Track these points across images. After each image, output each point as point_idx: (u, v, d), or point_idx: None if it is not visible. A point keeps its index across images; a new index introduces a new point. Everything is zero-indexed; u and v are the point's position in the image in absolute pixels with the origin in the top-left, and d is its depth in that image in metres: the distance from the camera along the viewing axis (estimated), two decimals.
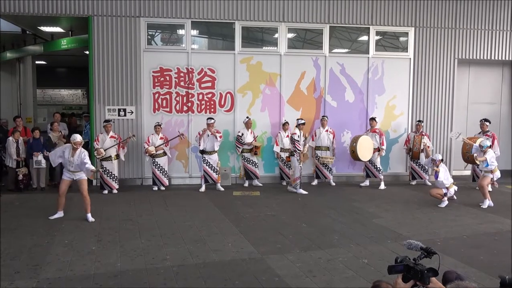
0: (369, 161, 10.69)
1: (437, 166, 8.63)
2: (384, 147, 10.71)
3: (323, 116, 10.97)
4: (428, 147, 10.67)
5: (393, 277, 2.64)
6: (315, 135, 10.96)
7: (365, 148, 10.45)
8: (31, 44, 14.80)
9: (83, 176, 7.49)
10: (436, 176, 8.65)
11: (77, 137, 7.42)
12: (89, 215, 7.44)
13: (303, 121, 10.00)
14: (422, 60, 11.71)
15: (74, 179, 7.52)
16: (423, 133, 11.02)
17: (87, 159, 7.31)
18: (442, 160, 8.85)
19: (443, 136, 11.91)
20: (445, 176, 8.65)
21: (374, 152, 10.63)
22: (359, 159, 10.57)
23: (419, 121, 11.18)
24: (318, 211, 8.36)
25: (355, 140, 10.52)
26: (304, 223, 7.46)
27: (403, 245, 2.71)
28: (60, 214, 7.65)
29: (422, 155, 10.80)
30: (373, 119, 10.84)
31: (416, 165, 11.12)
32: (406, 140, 11.34)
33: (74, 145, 7.33)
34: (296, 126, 10.01)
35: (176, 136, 10.41)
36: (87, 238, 6.50)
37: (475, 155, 9.54)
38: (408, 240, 2.68)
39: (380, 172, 10.75)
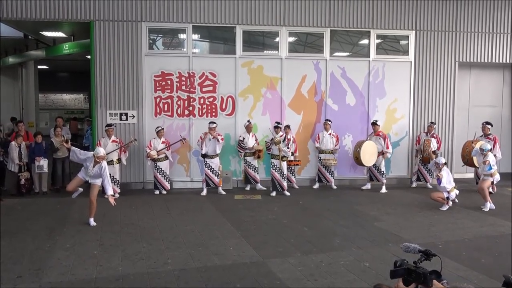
0: (373, 164, 10.69)
1: (440, 170, 8.62)
2: (390, 150, 10.68)
3: (326, 120, 10.99)
4: (431, 148, 10.67)
5: (394, 280, 2.64)
6: (319, 139, 10.97)
7: (369, 154, 10.44)
8: (33, 49, 14.89)
9: (97, 182, 7.52)
10: (439, 182, 8.62)
11: (100, 152, 7.40)
12: (91, 219, 7.46)
13: (276, 125, 10.24)
14: (423, 63, 11.72)
15: (88, 181, 7.57)
16: (435, 135, 11.02)
17: (106, 175, 7.36)
18: (445, 163, 8.85)
19: (444, 138, 11.90)
20: (447, 180, 8.64)
21: (378, 156, 10.62)
22: (362, 165, 10.57)
23: (432, 122, 11.18)
24: (319, 215, 8.37)
25: (358, 146, 10.51)
26: (305, 226, 7.46)
27: (400, 248, 2.72)
28: (79, 191, 7.75)
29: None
30: (374, 123, 10.82)
31: (424, 167, 11.11)
32: (417, 140, 11.35)
33: (97, 159, 7.34)
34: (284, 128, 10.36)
35: (178, 141, 10.43)
36: (89, 242, 6.52)
37: (474, 158, 9.55)
38: (405, 243, 2.69)
39: (384, 176, 10.75)
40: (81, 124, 19.20)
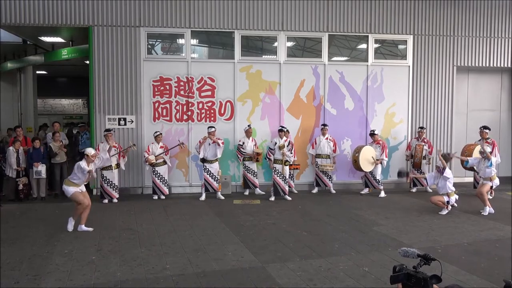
0: (369, 171, 10.67)
1: (444, 169, 8.62)
2: (386, 159, 10.67)
3: (323, 125, 10.98)
4: (430, 153, 10.72)
5: (394, 286, 2.63)
6: (316, 143, 10.96)
7: (367, 159, 10.42)
8: (32, 54, 14.90)
9: (82, 188, 7.54)
10: (443, 171, 8.56)
11: (92, 151, 7.51)
12: (82, 225, 7.40)
13: (281, 128, 10.22)
14: (421, 68, 11.75)
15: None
16: (425, 140, 11.03)
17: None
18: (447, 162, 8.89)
19: (442, 143, 11.90)
20: (451, 176, 8.66)
21: (376, 165, 10.58)
22: (360, 169, 10.56)
23: (421, 127, 11.19)
24: (318, 219, 8.35)
25: (358, 150, 10.50)
26: (304, 231, 7.44)
27: (398, 252, 2.70)
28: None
29: (424, 163, 10.80)
30: (373, 134, 10.81)
31: (418, 172, 11.10)
32: (408, 146, 11.35)
33: (91, 157, 7.41)
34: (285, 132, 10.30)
35: (176, 145, 10.42)
36: (87, 248, 6.49)
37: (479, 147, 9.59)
38: (403, 248, 2.67)
39: (380, 184, 10.71)
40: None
